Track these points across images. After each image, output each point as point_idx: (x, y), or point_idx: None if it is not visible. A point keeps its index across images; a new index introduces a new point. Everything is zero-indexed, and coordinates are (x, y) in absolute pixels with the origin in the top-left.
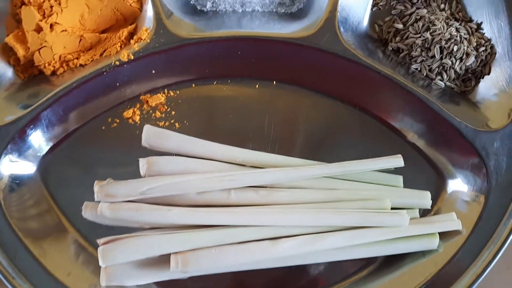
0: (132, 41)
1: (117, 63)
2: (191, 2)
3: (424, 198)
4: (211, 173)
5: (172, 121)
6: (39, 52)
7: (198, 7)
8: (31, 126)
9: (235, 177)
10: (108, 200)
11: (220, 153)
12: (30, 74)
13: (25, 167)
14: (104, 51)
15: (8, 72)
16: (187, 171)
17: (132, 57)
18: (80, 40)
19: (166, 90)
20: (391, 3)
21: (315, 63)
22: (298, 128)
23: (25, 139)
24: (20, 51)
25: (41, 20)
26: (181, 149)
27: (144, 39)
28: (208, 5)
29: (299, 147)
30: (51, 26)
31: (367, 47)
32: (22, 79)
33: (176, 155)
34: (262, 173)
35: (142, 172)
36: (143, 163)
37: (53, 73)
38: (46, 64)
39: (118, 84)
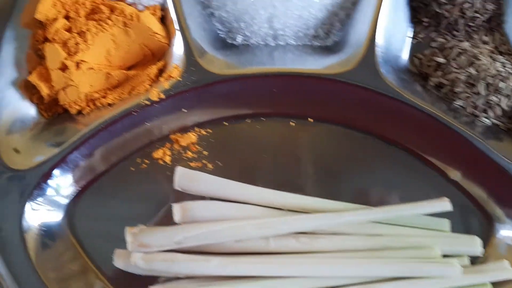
0: (161, 79)
1: (147, 102)
2: (221, 35)
3: (474, 245)
4: (249, 220)
5: (204, 161)
6: (64, 91)
7: (229, 41)
8: (57, 170)
9: (274, 224)
10: (142, 250)
11: (256, 196)
12: (54, 113)
13: (51, 213)
14: (133, 89)
15: (31, 110)
16: (223, 217)
17: (162, 96)
18: (107, 77)
19: (197, 129)
20: (431, 35)
21: (353, 99)
22: (335, 168)
23: (50, 184)
24: (44, 90)
25: (66, 58)
26: (216, 192)
27: (175, 76)
28: (239, 38)
29: (337, 187)
30: (77, 64)
31: (406, 82)
32: (46, 117)
33: (210, 198)
34: (302, 220)
35: (176, 218)
36: (177, 209)
37: (79, 112)
38: (72, 103)
39: (147, 123)
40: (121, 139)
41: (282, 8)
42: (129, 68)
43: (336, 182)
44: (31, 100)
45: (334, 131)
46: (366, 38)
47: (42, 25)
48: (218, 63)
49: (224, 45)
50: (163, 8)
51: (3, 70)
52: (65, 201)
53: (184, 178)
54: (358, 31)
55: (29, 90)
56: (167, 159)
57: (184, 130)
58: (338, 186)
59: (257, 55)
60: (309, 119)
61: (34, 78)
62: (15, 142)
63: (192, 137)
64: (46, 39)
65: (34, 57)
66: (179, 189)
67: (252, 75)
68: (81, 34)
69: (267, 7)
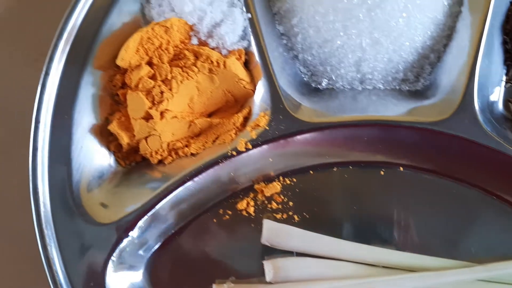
0: (248, 128)
1: (234, 153)
2: (305, 79)
3: None
4: (344, 280)
5: (290, 213)
6: (146, 140)
7: (313, 85)
8: (141, 223)
9: (373, 285)
10: None
11: (348, 252)
12: (132, 161)
13: (133, 266)
14: (217, 137)
15: (108, 159)
16: (316, 275)
17: (250, 147)
18: (190, 125)
19: (281, 178)
20: None
21: (449, 148)
22: (430, 220)
23: (132, 238)
24: (125, 139)
25: (151, 108)
26: (306, 247)
27: (262, 125)
28: (324, 82)
29: (433, 242)
30: (162, 113)
31: (503, 129)
32: (123, 166)
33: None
34: (404, 279)
35: (268, 277)
36: (268, 267)
37: (160, 161)
38: (153, 153)
39: (232, 174)
40: (204, 190)
41: (372, 52)
42: (210, 114)
43: (429, 235)
44: (108, 148)
45: (427, 179)
46: (463, 84)
47: (118, 68)
48: (307, 111)
49: (308, 89)
50: (247, 52)
51: (80, 118)
52: (147, 254)
53: (272, 232)
54: (450, 75)
55: (106, 138)
56: (251, 210)
57: (268, 179)
58: (433, 239)
59: (345, 101)
60: (400, 168)
61: (114, 127)
62: (97, 197)
63: (276, 187)
64: (124, 85)
65: (108, 101)
66: (267, 243)
67: (342, 123)
68: (165, 81)
69: (356, 51)
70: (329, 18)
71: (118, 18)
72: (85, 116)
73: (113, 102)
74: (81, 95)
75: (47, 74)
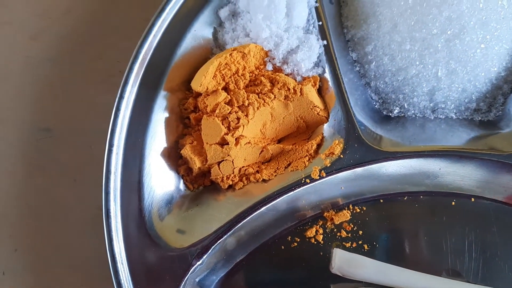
0: (322, 156)
1: (307, 180)
2: (376, 106)
3: None
4: None
5: (360, 242)
6: (218, 166)
7: (384, 112)
8: (212, 249)
9: None
10: None
11: (421, 284)
12: (201, 185)
13: None
14: (289, 164)
15: (177, 183)
16: None
17: (324, 175)
18: (262, 151)
19: (351, 206)
20: None
21: None
22: (504, 253)
23: (202, 265)
24: (197, 164)
25: (226, 134)
26: (379, 278)
27: (337, 153)
28: (396, 110)
29: (508, 275)
30: (237, 139)
31: None
32: (192, 190)
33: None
34: None
35: None
36: None
37: (230, 186)
38: (224, 178)
39: (303, 201)
40: (273, 217)
41: (447, 81)
42: (280, 140)
43: (502, 267)
44: (178, 172)
45: (499, 212)
46: None
47: (189, 91)
48: (381, 139)
49: (379, 116)
50: (320, 78)
51: (152, 141)
52: (215, 280)
53: (344, 261)
54: None
55: (175, 161)
56: (320, 238)
57: (338, 207)
58: (507, 271)
59: (418, 130)
60: (472, 199)
61: (188, 152)
62: (167, 222)
63: (346, 215)
64: (196, 108)
65: (179, 125)
66: (338, 273)
67: (417, 153)
68: (242, 108)
69: (430, 80)
70: (405, 47)
71: (191, 42)
72: (156, 140)
73: (183, 125)
74: (153, 119)
75: (121, 97)
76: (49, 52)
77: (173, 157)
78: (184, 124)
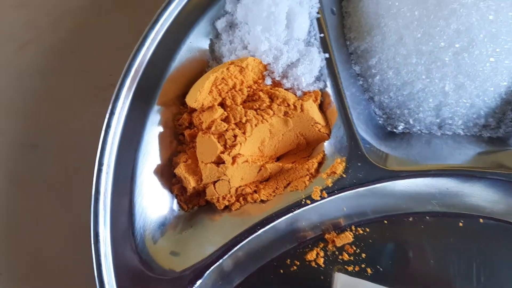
0: (323, 175)
1: (308, 201)
2: (380, 122)
3: None
4: None
5: (363, 265)
6: (214, 185)
7: (388, 128)
8: (208, 273)
9: None
10: None
11: None
12: (195, 205)
13: None
14: (289, 184)
15: (170, 203)
16: None
17: (325, 195)
18: (260, 170)
19: (354, 227)
20: None
21: None
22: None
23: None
24: (191, 183)
25: (223, 152)
26: None
27: (339, 173)
28: (401, 126)
29: None
30: (234, 158)
31: None
32: (186, 210)
33: None
34: None
35: None
36: None
37: (226, 207)
38: (220, 198)
39: (303, 223)
40: (272, 239)
41: (454, 96)
42: (278, 157)
43: None
44: (171, 191)
45: (511, 232)
46: None
47: (184, 106)
48: (386, 157)
49: (383, 132)
50: (322, 93)
51: (144, 159)
52: None
53: (346, 286)
54: None
55: (168, 180)
56: (320, 261)
57: (340, 229)
58: None
59: (424, 147)
60: (480, 219)
61: (181, 171)
62: (161, 245)
63: (348, 236)
64: (191, 124)
65: (173, 142)
66: None
67: (424, 172)
68: (239, 125)
69: (437, 95)
70: (411, 60)
71: (186, 54)
72: (149, 157)
73: (177, 142)
74: (146, 135)
75: (112, 113)
76: (37, 64)
77: (167, 175)
78: (178, 141)
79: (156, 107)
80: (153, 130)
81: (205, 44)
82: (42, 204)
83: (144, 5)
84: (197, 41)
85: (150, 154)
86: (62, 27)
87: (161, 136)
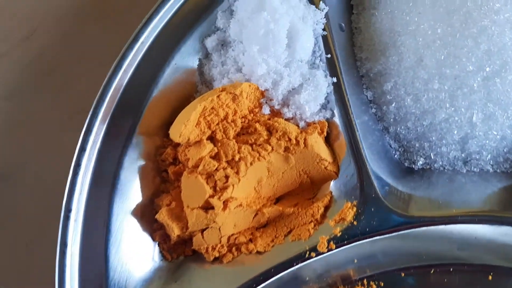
0: (331, 222)
1: (312, 254)
2: (396, 156)
3: None
4: None
5: None
6: (201, 234)
7: (406, 164)
8: None
9: None
10: None
11: None
12: (181, 255)
13: None
14: (290, 231)
15: (151, 252)
16: None
17: (333, 247)
18: (256, 214)
19: (366, 281)
20: None
21: None
22: None
23: None
24: (175, 231)
25: (212, 196)
26: None
27: (349, 220)
28: (420, 162)
29: None
30: (225, 203)
31: None
32: (169, 260)
33: None
34: None
35: None
36: None
37: (216, 258)
38: (209, 248)
39: (306, 277)
40: None
41: (483, 128)
42: (278, 198)
43: None
44: (153, 238)
45: None
46: None
47: (168, 138)
48: (404, 201)
49: (400, 169)
50: (329, 123)
51: (121, 202)
52: None
53: None
54: None
55: (149, 225)
56: None
57: (350, 283)
58: None
59: (448, 187)
60: None
61: (163, 217)
62: None
63: None
64: (175, 159)
65: (156, 179)
66: None
67: (449, 219)
68: (231, 163)
69: (463, 126)
70: (433, 85)
71: (171, 77)
72: (127, 199)
73: (160, 179)
74: (123, 174)
75: (82, 149)
76: (6, 83)
77: (148, 218)
78: (162, 178)
79: (135, 140)
80: (132, 167)
81: (193, 65)
82: (8, 249)
83: (129, 15)
84: (183, 62)
85: (128, 196)
86: (34, 42)
87: (142, 173)
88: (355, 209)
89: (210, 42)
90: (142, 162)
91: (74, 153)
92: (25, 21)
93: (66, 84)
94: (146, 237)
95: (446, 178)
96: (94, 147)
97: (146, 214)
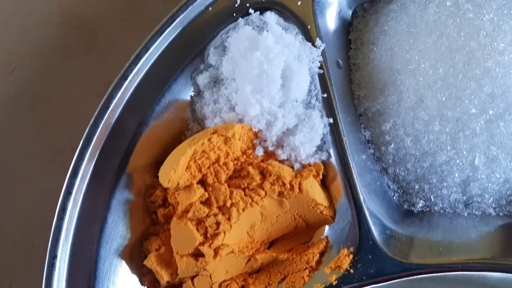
0: (326, 270)
1: None
2: (394, 198)
3: None
4: None
5: None
6: (192, 281)
7: (405, 206)
8: None
9: None
10: None
11: None
12: None
13: None
14: (284, 278)
15: None
16: None
17: None
18: (249, 260)
19: None
20: None
21: None
22: None
23: None
24: (164, 277)
25: (202, 243)
26: None
27: (345, 267)
28: (420, 204)
29: None
30: (216, 250)
31: None
32: None
33: None
34: None
35: None
36: None
37: None
38: None
39: None
40: None
41: (485, 171)
42: (272, 242)
43: None
44: (141, 282)
45: None
46: None
47: (158, 179)
48: (404, 247)
49: (399, 211)
50: (324, 165)
51: (108, 247)
52: None
53: None
54: None
55: (138, 269)
56: None
57: None
58: None
59: (449, 231)
60: None
61: (152, 263)
62: None
63: None
64: (165, 201)
65: (145, 220)
66: None
67: (451, 267)
68: (223, 209)
69: (465, 169)
70: (433, 127)
71: (161, 115)
72: (114, 243)
73: (150, 220)
74: (111, 217)
75: (69, 193)
76: None
77: (136, 261)
78: (151, 219)
79: (124, 180)
80: (120, 209)
81: (184, 102)
82: None
83: (117, 50)
84: (174, 100)
85: (116, 239)
86: (16, 76)
87: (130, 214)
88: (351, 256)
89: (202, 80)
90: (131, 203)
91: (58, 195)
92: (8, 54)
93: (48, 121)
94: (135, 281)
95: (446, 221)
96: (80, 189)
97: (134, 257)
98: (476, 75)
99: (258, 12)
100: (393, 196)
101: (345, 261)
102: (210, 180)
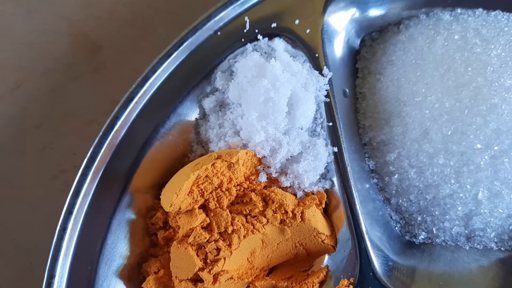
0: None
1: None
2: (396, 229)
3: None
4: None
5: None
6: None
7: (406, 237)
8: None
9: None
10: None
11: None
12: None
13: None
14: None
15: None
16: None
17: None
18: (248, 287)
19: None
20: None
21: None
22: None
23: None
24: None
25: (202, 269)
26: None
27: None
28: (422, 236)
29: None
30: (215, 276)
31: None
32: None
33: None
34: None
35: None
36: None
37: None
38: None
39: None
40: None
41: (488, 205)
42: (272, 268)
43: None
44: None
45: None
46: None
47: (159, 200)
48: (405, 280)
49: (400, 242)
50: (327, 193)
51: (107, 269)
52: None
53: None
54: None
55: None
56: None
57: None
58: None
59: (450, 264)
60: None
61: (151, 286)
62: None
63: None
64: (166, 224)
65: (145, 241)
66: None
67: None
68: (224, 235)
69: (467, 203)
70: (438, 160)
71: (165, 137)
72: (112, 263)
73: (149, 241)
74: (110, 238)
75: (70, 212)
76: None
77: (135, 281)
78: (151, 241)
79: (125, 201)
80: (120, 229)
81: (189, 124)
82: None
83: (123, 71)
84: (179, 122)
85: (114, 259)
86: (22, 93)
87: (130, 234)
88: (351, 287)
89: (208, 103)
90: (131, 224)
91: (59, 214)
92: (13, 72)
93: (51, 141)
94: None
95: (448, 254)
96: (81, 209)
97: (133, 278)
98: (482, 111)
99: (266, 38)
100: (395, 227)
101: None
102: (212, 205)
